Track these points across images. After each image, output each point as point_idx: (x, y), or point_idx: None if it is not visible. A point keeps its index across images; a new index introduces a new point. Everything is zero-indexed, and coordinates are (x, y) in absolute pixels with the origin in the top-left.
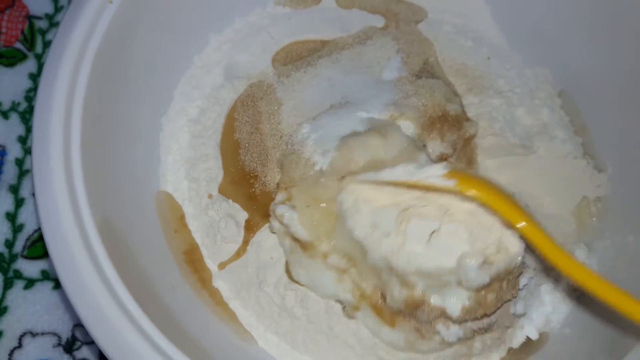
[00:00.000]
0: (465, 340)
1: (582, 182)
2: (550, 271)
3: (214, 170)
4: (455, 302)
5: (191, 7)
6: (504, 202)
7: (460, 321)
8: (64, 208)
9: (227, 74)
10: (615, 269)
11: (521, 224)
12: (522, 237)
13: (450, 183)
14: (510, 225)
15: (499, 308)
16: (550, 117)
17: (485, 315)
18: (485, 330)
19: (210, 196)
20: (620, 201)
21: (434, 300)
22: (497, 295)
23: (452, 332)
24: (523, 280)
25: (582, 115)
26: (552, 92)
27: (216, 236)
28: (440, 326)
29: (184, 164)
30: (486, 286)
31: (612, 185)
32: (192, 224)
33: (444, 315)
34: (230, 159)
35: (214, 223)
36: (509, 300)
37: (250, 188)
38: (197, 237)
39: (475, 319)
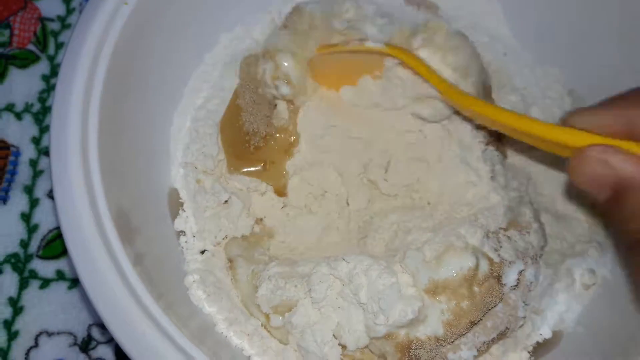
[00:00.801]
0: (483, 353)
1: None
2: (562, 268)
3: (208, 147)
4: (435, 322)
5: (203, 8)
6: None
7: (450, 338)
8: (82, 207)
9: (233, 60)
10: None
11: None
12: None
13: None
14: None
15: (486, 313)
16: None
17: (472, 322)
18: (499, 337)
19: (199, 182)
20: None
21: (419, 334)
22: (473, 301)
23: (464, 355)
24: (510, 280)
25: None
26: (562, 91)
27: (205, 224)
28: (450, 355)
29: (182, 153)
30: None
31: None
32: (188, 212)
33: (439, 341)
34: (229, 129)
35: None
36: (496, 302)
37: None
38: (189, 226)
39: (466, 329)
